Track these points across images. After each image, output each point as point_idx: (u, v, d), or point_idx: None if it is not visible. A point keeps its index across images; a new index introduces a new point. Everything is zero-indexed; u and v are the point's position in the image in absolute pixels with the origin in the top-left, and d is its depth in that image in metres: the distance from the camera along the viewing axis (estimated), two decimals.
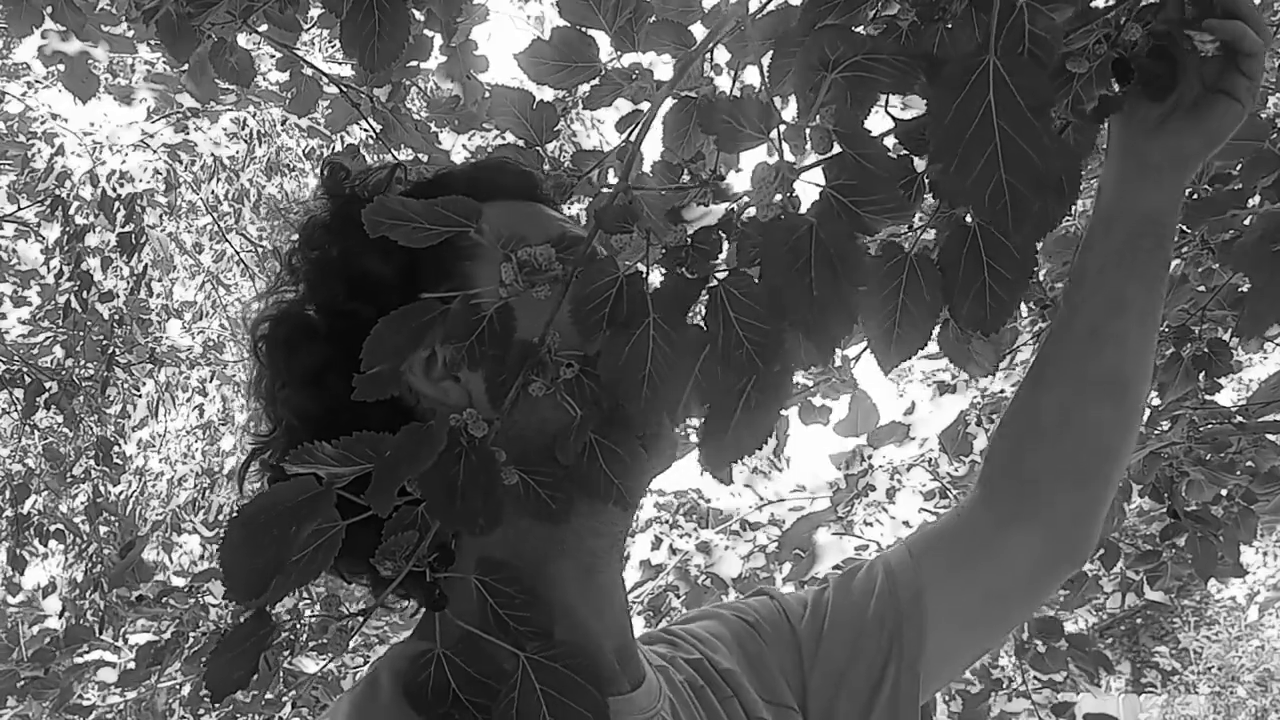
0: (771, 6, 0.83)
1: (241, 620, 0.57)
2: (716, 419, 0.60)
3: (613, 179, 1.08)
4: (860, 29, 0.74)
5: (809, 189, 0.60)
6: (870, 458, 3.24)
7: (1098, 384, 0.87)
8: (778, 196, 0.58)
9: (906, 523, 3.35)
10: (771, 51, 0.77)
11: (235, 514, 0.56)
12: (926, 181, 0.63)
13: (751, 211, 0.60)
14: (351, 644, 3.02)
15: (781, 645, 0.91)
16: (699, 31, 1.01)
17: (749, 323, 0.58)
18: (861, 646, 0.90)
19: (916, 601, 0.90)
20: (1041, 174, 0.54)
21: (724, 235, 0.61)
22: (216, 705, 3.05)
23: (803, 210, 0.58)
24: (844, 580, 0.95)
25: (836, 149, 0.59)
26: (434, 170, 0.87)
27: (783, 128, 0.61)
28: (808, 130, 0.61)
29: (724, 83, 1.08)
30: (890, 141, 0.63)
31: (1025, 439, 0.91)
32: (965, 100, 0.54)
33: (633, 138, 1.02)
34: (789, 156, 0.60)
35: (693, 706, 0.85)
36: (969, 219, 0.60)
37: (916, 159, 0.63)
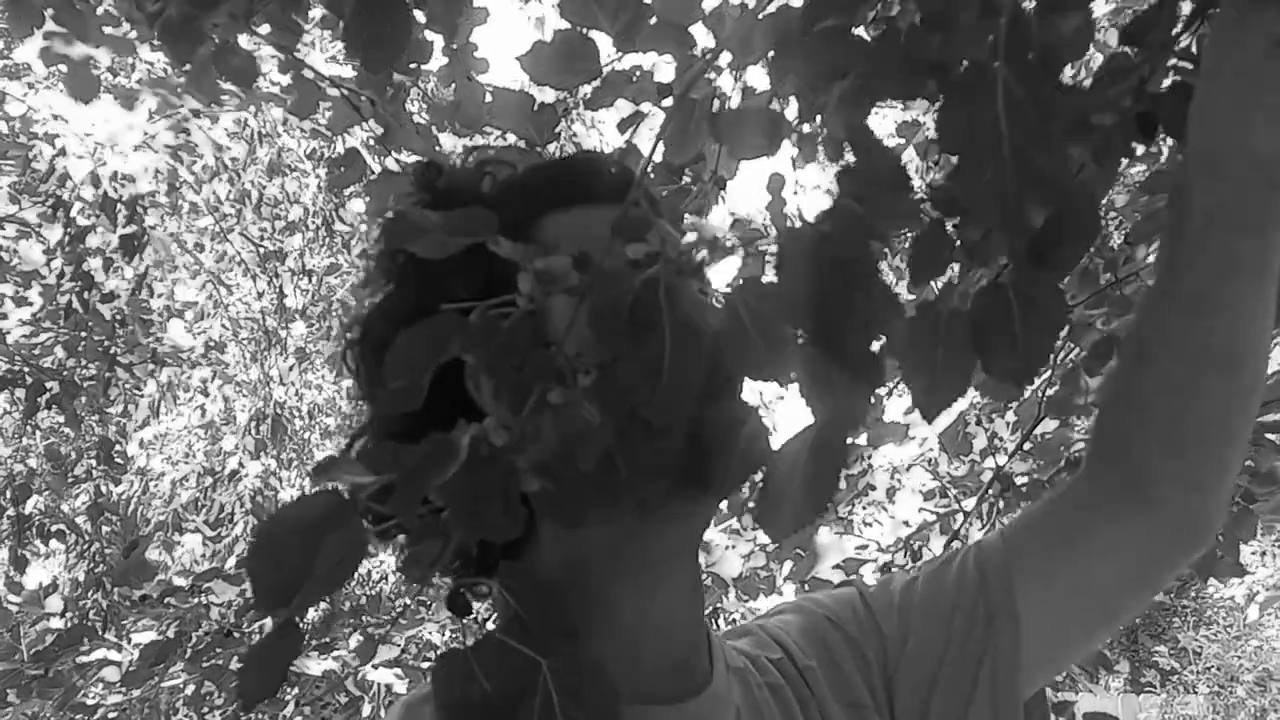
0: (772, 8, 0.84)
1: (270, 630, 0.58)
2: (773, 487, 0.62)
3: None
4: (859, 30, 0.75)
5: (817, 197, 0.61)
6: (870, 457, 3.25)
7: (1209, 356, 0.77)
8: (790, 206, 0.60)
9: (906, 522, 3.35)
10: (773, 53, 0.78)
11: (262, 526, 0.57)
12: (960, 244, 0.64)
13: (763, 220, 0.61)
14: (353, 643, 3.03)
15: (864, 642, 0.87)
16: (699, 33, 1.02)
17: (765, 327, 0.59)
18: (952, 643, 0.85)
19: (1008, 592, 0.84)
20: (1050, 182, 0.55)
21: (737, 243, 0.63)
22: (220, 703, 3.06)
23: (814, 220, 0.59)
24: (935, 573, 0.89)
25: (848, 158, 0.60)
26: (522, 168, 0.85)
27: (795, 137, 0.62)
28: (819, 140, 0.62)
29: (725, 83, 1.08)
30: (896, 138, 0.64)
31: (1128, 419, 0.83)
32: (975, 110, 0.55)
33: (634, 139, 1.03)
34: (801, 165, 0.61)
35: (769, 709, 0.84)
36: (999, 278, 0.61)
37: (949, 221, 0.64)
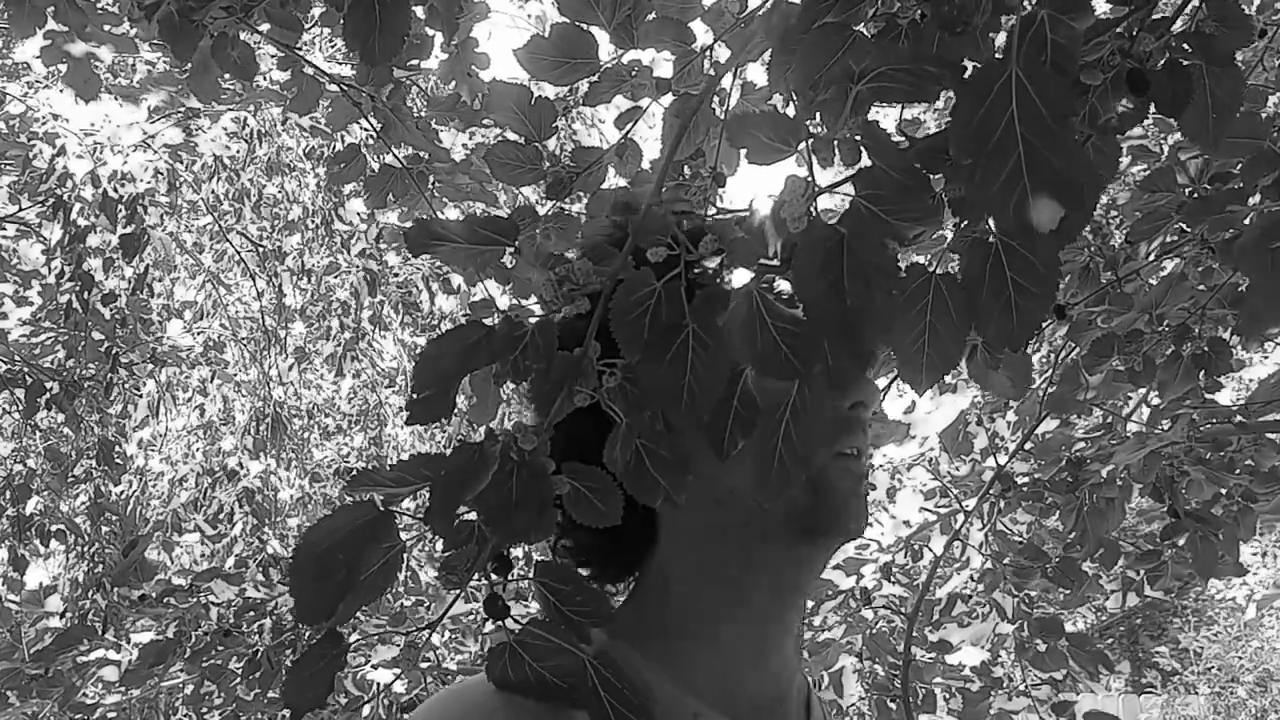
0: (771, 4, 0.83)
1: (314, 641, 0.59)
2: (762, 442, 0.62)
3: (612, 176, 1.08)
4: (859, 27, 0.74)
5: (832, 199, 0.61)
6: (870, 457, 3.24)
7: None
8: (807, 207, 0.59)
9: (907, 522, 3.35)
10: (772, 49, 0.78)
11: (302, 540, 0.58)
12: (946, 199, 0.64)
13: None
14: (352, 642, 3.02)
15: None
16: (698, 28, 1.02)
17: (785, 327, 0.59)
18: None
19: None
20: (1066, 183, 0.54)
21: (757, 245, 0.62)
22: (219, 703, 3.06)
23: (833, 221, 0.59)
24: None
25: (865, 160, 0.60)
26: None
27: (810, 140, 0.61)
28: (836, 143, 0.62)
29: (725, 79, 1.08)
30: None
31: None
32: (988, 111, 0.55)
33: (632, 135, 1.02)
34: (817, 168, 0.61)
35: None
36: (991, 236, 0.60)
37: (934, 176, 0.63)
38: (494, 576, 0.63)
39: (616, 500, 0.63)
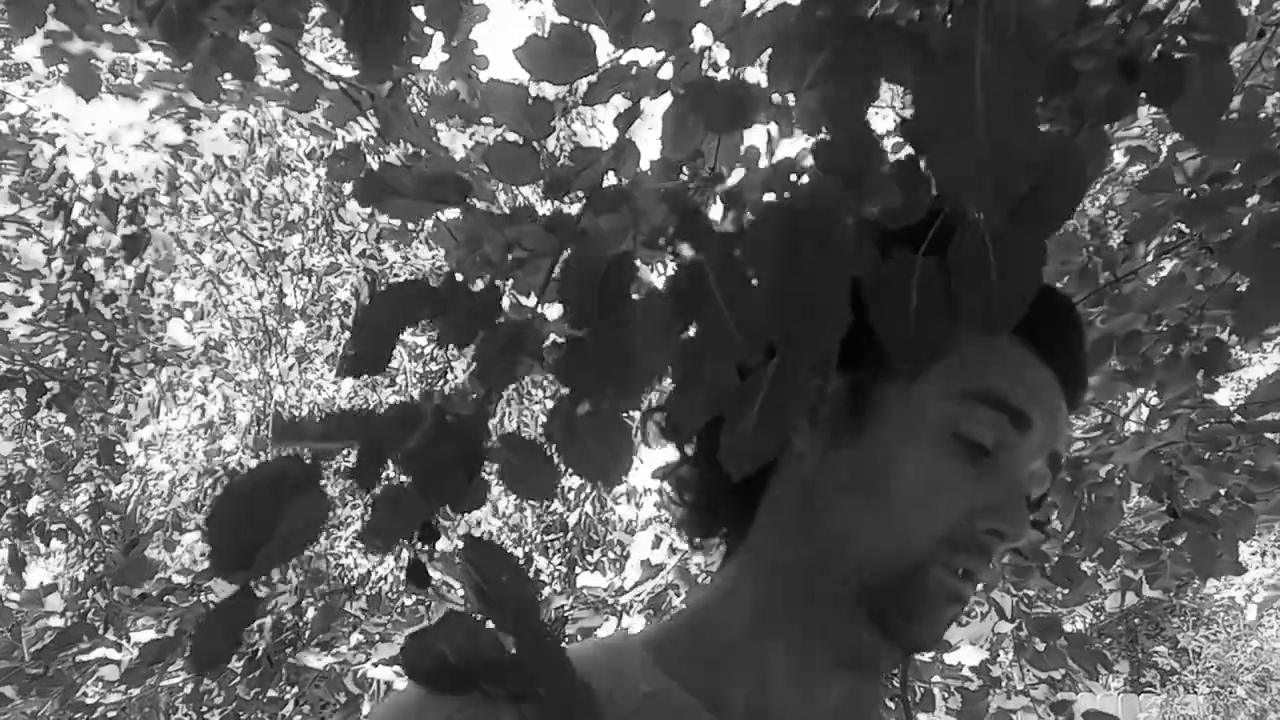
0: (770, 5, 0.84)
1: (226, 595, 0.57)
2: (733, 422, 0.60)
3: (611, 178, 1.08)
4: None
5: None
6: None
7: None
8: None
9: None
10: (770, 50, 0.78)
11: (225, 489, 0.55)
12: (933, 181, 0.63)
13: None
14: (354, 641, 3.03)
15: None
16: (697, 29, 1.02)
17: (734, 300, 0.57)
18: None
19: None
20: (1025, 155, 0.54)
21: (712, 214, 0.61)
22: (220, 702, 3.06)
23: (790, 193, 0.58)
24: None
25: (824, 131, 0.59)
26: None
27: (771, 110, 0.61)
28: (795, 112, 0.61)
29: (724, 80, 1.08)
30: (894, 137, 0.62)
31: None
32: (949, 81, 0.54)
33: (630, 136, 1.02)
34: (776, 143, 0.60)
35: None
36: (977, 219, 0.60)
37: (922, 158, 0.63)
38: (420, 545, 0.60)
39: (551, 475, 0.60)
